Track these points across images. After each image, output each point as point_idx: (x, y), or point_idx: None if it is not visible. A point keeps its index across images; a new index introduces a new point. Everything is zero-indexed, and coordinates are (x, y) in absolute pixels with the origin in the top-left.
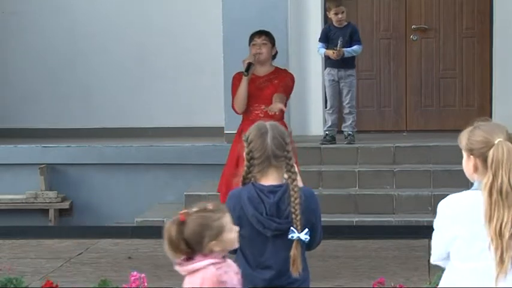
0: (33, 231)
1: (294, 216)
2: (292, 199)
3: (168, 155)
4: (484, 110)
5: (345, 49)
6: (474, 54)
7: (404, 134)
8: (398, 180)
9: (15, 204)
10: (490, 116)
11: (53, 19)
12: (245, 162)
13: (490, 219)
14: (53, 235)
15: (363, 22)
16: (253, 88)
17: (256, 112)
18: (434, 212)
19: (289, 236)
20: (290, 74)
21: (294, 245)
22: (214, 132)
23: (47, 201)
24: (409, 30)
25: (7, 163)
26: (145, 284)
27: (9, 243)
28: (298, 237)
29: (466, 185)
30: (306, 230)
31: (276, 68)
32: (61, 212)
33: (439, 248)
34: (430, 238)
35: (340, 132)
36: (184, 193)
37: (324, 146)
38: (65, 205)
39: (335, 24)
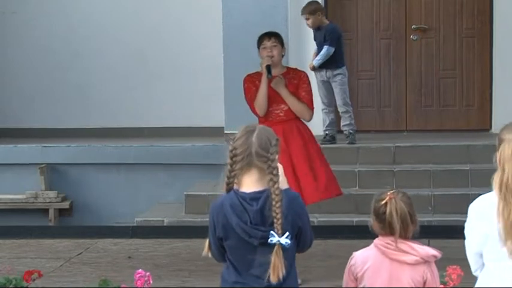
0: (33, 231)
1: (275, 220)
2: (274, 202)
3: (168, 155)
4: (484, 110)
5: (314, 61)
6: (474, 54)
7: (404, 134)
8: (398, 180)
9: (15, 204)
10: (490, 116)
11: (53, 19)
12: (228, 160)
13: (501, 214)
14: (53, 235)
15: (363, 22)
16: (269, 90)
17: (276, 112)
18: (434, 212)
19: (269, 240)
20: (304, 73)
21: (274, 249)
22: (214, 132)
23: (47, 201)
24: (409, 30)
25: (7, 163)
26: (151, 282)
27: (9, 243)
28: (278, 241)
29: (466, 185)
30: (287, 233)
31: (288, 68)
32: (61, 212)
33: (473, 250)
34: (430, 238)
35: (340, 131)
36: (184, 193)
37: (323, 146)
38: (65, 205)
39: None
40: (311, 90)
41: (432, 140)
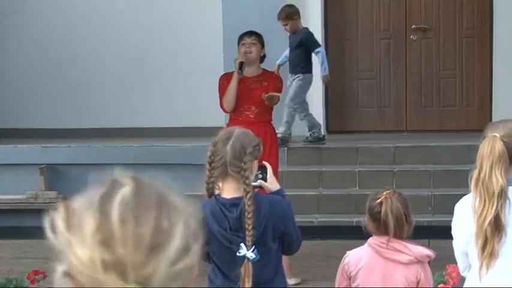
0: (33, 231)
1: (246, 232)
2: (246, 213)
3: (168, 155)
4: (484, 110)
5: (322, 72)
6: (474, 54)
7: (404, 134)
8: (398, 180)
9: (15, 204)
10: (490, 116)
11: (53, 19)
12: (206, 165)
13: (476, 211)
14: None
15: (363, 22)
16: (242, 88)
17: (247, 113)
18: (434, 212)
19: (237, 253)
20: (278, 76)
21: (244, 263)
22: (214, 132)
23: (47, 201)
24: (409, 30)
25: (7, 163)
26: None
27: (9, 243)
28: (245, 254)
29: (466, 185)
30: (253, 247)
31: (264, 70)
32: None
33: (460, 249)
34: (430, 238)
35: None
36: (184, 193)
37: (323, 146)
38: None
39: None
40: (280, 90)
41: (432, 140)
